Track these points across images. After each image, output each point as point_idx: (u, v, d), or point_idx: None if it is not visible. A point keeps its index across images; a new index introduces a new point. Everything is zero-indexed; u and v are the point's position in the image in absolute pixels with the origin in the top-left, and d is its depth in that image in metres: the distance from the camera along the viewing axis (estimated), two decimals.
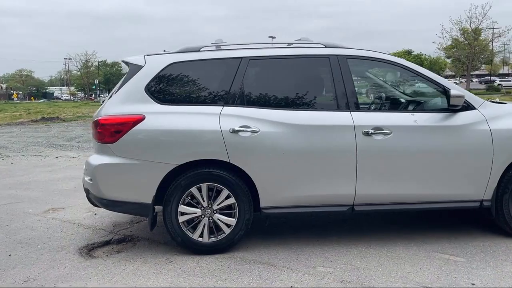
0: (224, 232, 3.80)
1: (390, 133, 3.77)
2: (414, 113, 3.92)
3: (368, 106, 4.23)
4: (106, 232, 4.48)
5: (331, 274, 3.40)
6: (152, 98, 3.81)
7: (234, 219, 3.79)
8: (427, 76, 3.99)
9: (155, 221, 3.99)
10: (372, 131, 3.77)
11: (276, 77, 4.02)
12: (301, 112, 3.87)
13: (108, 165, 3.74)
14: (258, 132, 3.70)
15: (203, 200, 3.76)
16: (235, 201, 3.76)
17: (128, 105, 3.79)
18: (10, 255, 3.93)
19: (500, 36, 49.23)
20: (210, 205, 3.77)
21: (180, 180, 3.71)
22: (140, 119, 3.70)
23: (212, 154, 3.72)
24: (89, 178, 3.88)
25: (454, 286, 3.16)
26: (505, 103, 4.27)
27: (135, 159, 3.71)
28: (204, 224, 3.78)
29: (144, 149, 3.72)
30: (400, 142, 3.79)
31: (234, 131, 3.69)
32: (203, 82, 3.97)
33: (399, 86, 4.60)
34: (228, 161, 3.70)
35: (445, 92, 3.86)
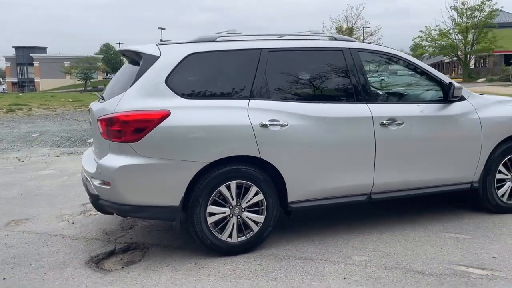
0: (252, 230, 3.68)
1: (402, 123, 3.99)
2: (419, 104, 4.19)
3: (379, 98, 4.40)
4: (102, 242, 4.02)
5: (370, 262, 3.50)
6: (174, 92, 3.50)
7: (262, 216, 3.69)
8: (429, 71, 4.29)
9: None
10: (388, 122, 3.94)
11: (296, 69, 3.98)
12: (323, 104, 3.89)
13: (131, 167, 3.36)
14: (286, 125, 3.64)
15: (232, 199, 3.59)
16: (263, 198, 3.66)
17: (149, 99, 3.44)
18: (4, 278, 3.32)
19: (371, 35, 54.26)
20: (238, 203, 3.61)
21: (210, 178, 3.49)
22: (166, 114, 3.39)
23: (244, 150, 3.56)
24: (101, 182, 3.45)
25: (480, 261, 3.48)
26: (482, 94, 4.78)
27: (161, 159, 3.39)
28: (233, 223, 3.62)
29: (171, 147, 3.42)
30: (410, 131, 4.03)
31: (264, 125, 3.58)
32: (225, 74, 3.78)
33: (400, 79, 4.86)
34: (259, 156, 3.58)
35: (444, 85, 4.20)
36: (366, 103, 3.97)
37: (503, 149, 4.41)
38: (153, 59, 3.54)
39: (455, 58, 55.66)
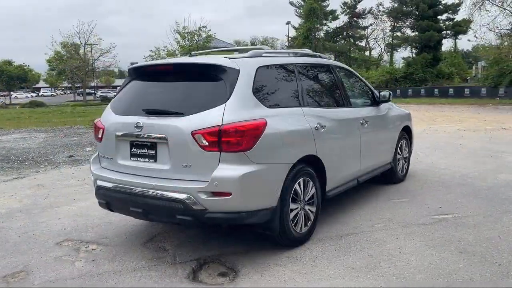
0: (310, 220, 4.27)
1: (368, 122, 5.30)
2: (369, 107, 5.60)
3: (353, 104, 5.51)
4: (170, 256, 3.80)
5: (391, 221, 4.65)
6: (260, 102, 3.77)
7: (314, 207, 4.31)
8: (364, 81, 5.77)
9: None
10: (363, 121, 5.19)
11: (318, 81, 4.74)
12: (334, 109, 4.83)
13: (249, 174, 3.48)
14: (325, 127, 4.40)
15: (301, 194, 4.09)
16: (315, 191, 4.30)
17: (247, 110, 3.62)
18: None
19: (107, 52, 54.10)
20: (303, 198, 4.14)
21: (291, 178, 3.91)
22: (266, 123, 3.65)
23: (309, 150, 4.14)
24: (214, 194, 3.42)
25: (443, 215, 5.12)
26: None
27: (267, 164, 3.64)
28: (302, 216, 4.12)
29: (271, 152, 3.70)
30: (371, 128, 5.39)
31: (316, 128, 4.25)
32: (281, 85, 4.20)
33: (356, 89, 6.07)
34: (316, 154, 4.21)
35: (371, 91, 5.75)
36: (350, 107, 5.11)
37: (400, 136, 6.32)
38: (236, 72, 3.71)
39: None
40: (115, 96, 4.46)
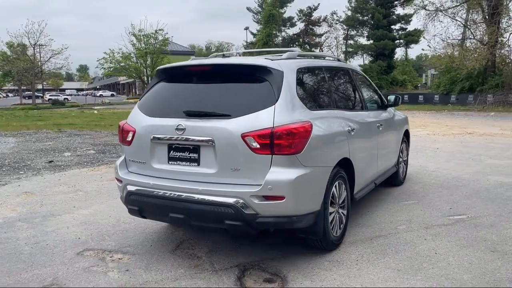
0: (343, 223, 4.25)
1: (382, 125, 5.38)
2: (381, 111, 5.68)
3: (369, 107, 5.54)
4: (207, 263, 3.64)
5: (410, 222, 4.73)
6: (304, 104, 3.72)
7: (345, 210, 4.31)
8: (374, 85, 5.86)
9: None
10: (379, 124, 5.26)
11: (340, 84, 4.73)
12: (359, 112, 4.86)
13: (301, 177, 3.42)
14: (354, 130, 4.41)
15: (337, 198, 4.07)
16: (346, 193, 4.30)
17: (294, 112, 3.56)
18: None
19: (59, 53, 51.88)
20: (338, 201, 4.12)
21: (331, 181, 3.88)
22: (312, 125, 3.60)
23: (345, 153, 4.13)
24: (266, 198, 3.33)
25: (457, 215, 5.28)
26: None
27: (314, 167, 3.60)
28: (337, 220, 4.10)
29: (317, 155, 3.66)
30: (384, 131, 5.47)
31: (349, 131, 4.25)
32: (316, 88, 4.17)
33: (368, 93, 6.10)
34: (349, 157, 4.21)
35: (379, 95, 5.84)
36: (368, 111, 5.16)
37: (402, 139, 6.47)
38: (281, 74, 3.64)
39: (139, 80, 59.68)
40: (141, 97, 4.25)
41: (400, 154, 6.49)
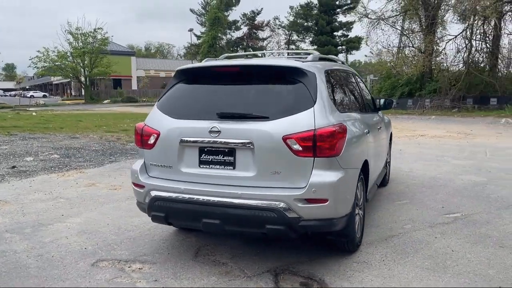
0: (361, 224, 4.31)
1: (380, 128, 5.53)
2: (376, 113, 5.83)
3: (371, 110, 5.63)
4: (236, 269, 3.54)
5: (414, 222, 4.90)
6: (335, 106, 3.72)
7: (362, 211, 4.37)
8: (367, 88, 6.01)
9: None
10: (379, 127, 5.40)
11: (353, 87, 4.80)
12: (368, 115, 4.95)
13: (341, 179, 3.43)
14: (369, 132, 4.49)
15: (360, 199, 4.12)
16: (362, 195, 4.36)
17: (330, 114, 3.55)
18: None
19: None
20: (359, 203, 4.17)
21: (357, 183, 3.92)
22: (347, 127, 3.62)
23: (366, 155, 4.18)
24: (309, 201, 3.29)
25: (452, 214, 5.52)
26: None
27: (348, 169, 3.61)
28: (358, 221, 4.14)
29: (351, 158, 3.68)
30: (381, 133, 5.62)
31: (366, 133, 4.32)
32: (340, 91, 4.19)
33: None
34: (367, 158, 4.28)
35: (372, 99, 6.01)
36: (370, 113, 5.28)
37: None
38: (314, 76, 3.62)
39: (76, 80, 57.07)
40: (160, 99, 4.03)
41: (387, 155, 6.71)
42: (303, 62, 3.76)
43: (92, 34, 53.71)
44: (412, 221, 5.07)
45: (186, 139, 3.59)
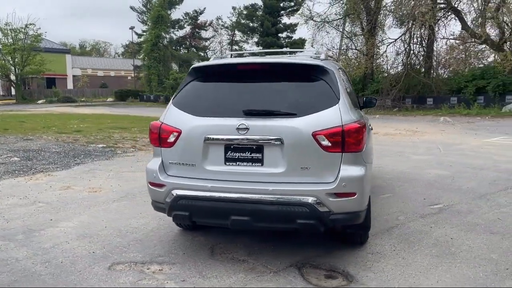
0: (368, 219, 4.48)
1: (370, 125, 5.75)
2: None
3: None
4: (259, 265, 3.58)
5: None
6: (352, 103, 3.86)
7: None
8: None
9: None
10: (370, 124, 5.62)
11: (349, 84, 4.94)
12: (362, 112, 5.10)
13: (366, 173, 3.56)
14: (372, 128, 4.69)
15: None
16: None
17: (352, 111, 3.68)
18: None
19: None
20: None
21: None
22: (365, 123, 3.76)
23: (373, 150, 4.35)
24: (338, 195, 3.39)
25: (435, 205, 5.87)
26: None
27: (368, 163, 3.76)
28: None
29: (369, 153, 3.84)
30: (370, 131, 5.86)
31: (371, 129, 4.51)
32: (349, 88, 4.31)
33: None
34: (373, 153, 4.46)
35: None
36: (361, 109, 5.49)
37: None
38: (333, 73, 3.73)
39: (6, 79, 53.48)
40: (175, 96, 3.94)
41: None
42: (321, 60, 3.86)
43: (23, 30, 50.54)
44: (402, 212, 5.34)
45: (211, 136, 3.55)
